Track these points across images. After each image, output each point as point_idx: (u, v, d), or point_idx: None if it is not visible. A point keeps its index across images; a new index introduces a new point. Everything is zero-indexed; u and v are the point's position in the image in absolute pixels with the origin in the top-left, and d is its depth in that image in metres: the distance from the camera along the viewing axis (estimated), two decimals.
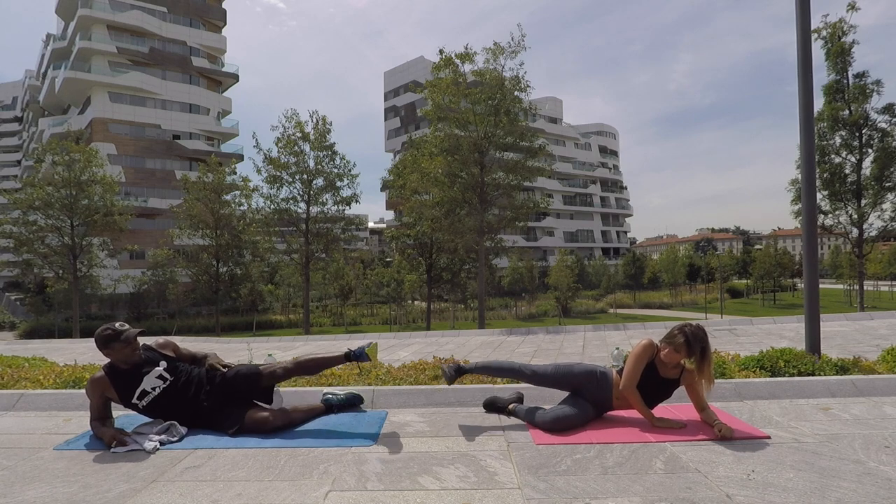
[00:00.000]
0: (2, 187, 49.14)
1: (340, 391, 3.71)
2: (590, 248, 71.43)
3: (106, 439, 2.93)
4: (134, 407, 3.15)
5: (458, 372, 3.37)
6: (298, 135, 24.48)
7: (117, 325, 3.18)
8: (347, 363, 3.28)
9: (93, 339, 3.17)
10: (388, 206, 57.14)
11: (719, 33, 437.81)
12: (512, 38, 18.52)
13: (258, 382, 3.22)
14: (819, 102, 23.40)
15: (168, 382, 3.17)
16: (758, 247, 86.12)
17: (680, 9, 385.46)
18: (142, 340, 3.31)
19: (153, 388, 3.13)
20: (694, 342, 2.95)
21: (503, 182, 19.94)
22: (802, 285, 5.18)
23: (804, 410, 3.42)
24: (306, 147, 24.69)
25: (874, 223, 23.66)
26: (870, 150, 22.82)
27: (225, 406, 3.19)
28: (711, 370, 3.04)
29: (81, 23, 43.26)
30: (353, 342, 11.13)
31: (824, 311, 7.34)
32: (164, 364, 3.21)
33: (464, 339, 10.54)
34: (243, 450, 2.86)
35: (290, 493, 2.30)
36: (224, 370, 3.28)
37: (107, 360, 3.22)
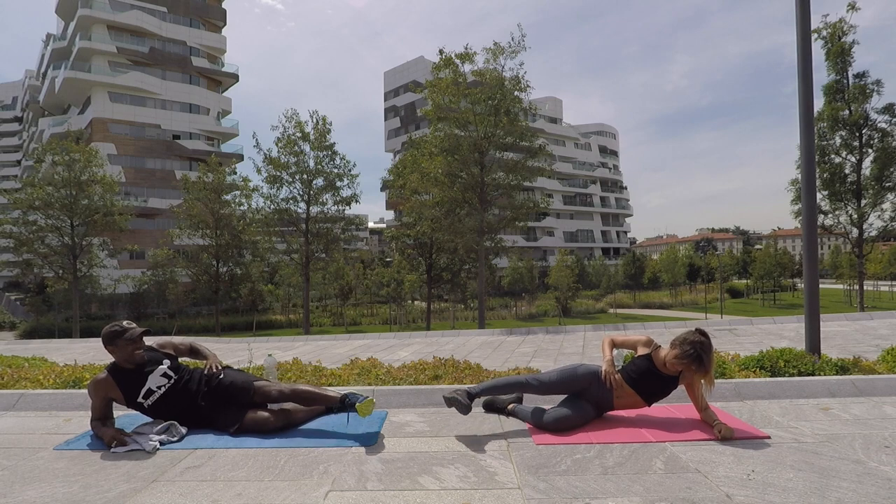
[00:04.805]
0: (2, 187, 49.14)
1: (340, 391, 3.71)
2: (590, 248, 71.42)
3: (106, 439, 2.93)
4: (139, 406, 3.15)
5: (470, 399, 3.20)
6: (298, 135, 24.50)
7: (124, 322, 3.19)
8: (340, 405, 3.20)
9: (93, 339, 3.19)
10: (388, 206, 57.14)
11: (715, 34, 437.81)
12: (512, 39, 18.53)
13: (249, 396, 3.19)
14: (819, 102, 23.44)
15: (173, 381, 3.18)
16: (758, 247, 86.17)
17: (676, 10, 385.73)
18: (146, 340, 3.31)
19: (159, 387, 3.13)
20: (707, 361, 2.96)
21: (503, 182, 19.93)
22: (802, 285, 5.18)
23: (804, 410, 3.42)
24: (306, 147, 24.71)
25: (874, 223, 23.70)
26: (870, 150, 22.83)
27: (223, 408, 3.19)
28: (713, 373, 3.06)
29: (81, 23, 43.26)
30: (352, 342, 11.13)
31: (824, 311, 7.34)
32: (167, 363, 3.22)
33: (464, 339, 10.53)
34: (243, 450, 2.86)
35: (290, 493, 2.30)
36: (221, 374, 3.27)
37: (110, 361, 3.23)
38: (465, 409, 3.12)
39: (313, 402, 3.22)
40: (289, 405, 3.37)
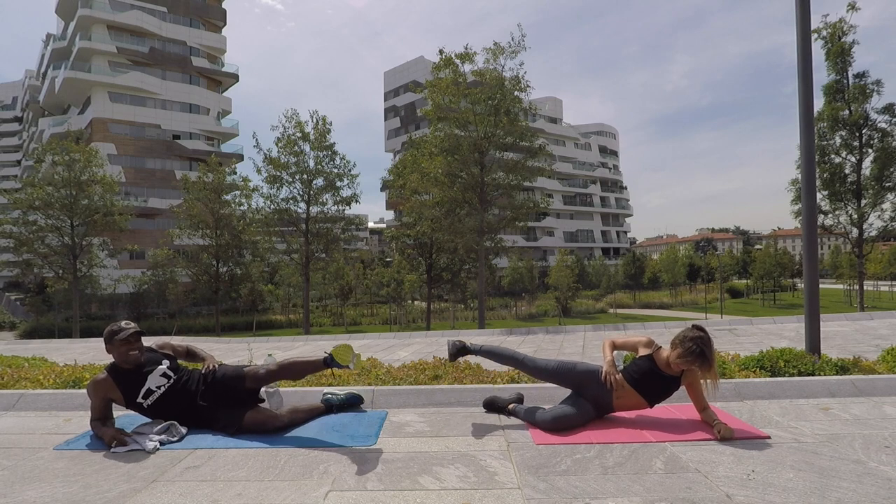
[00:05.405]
0: (2, 187, 49.13)
1: (340, 391, 3.72)
2: (590, 248, 71.41)
3: (106, 439, 2.93)
4: (138, 407, 3.15)
5: (461, 351, 3.41)
6: (298, 135, 24.50)
7: (122, 323, 3.20)
8: (328, 368, 3.26)
9: (93, 339, 3.21)
10: (388, 206, 57.14)
11: (715, 34, 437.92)
12: (512, 39, 18.54)
13: (242, 383, 3.21)
14: (819, 102, 23.44)
15: (172, 380, 3.18)
16: (758, 247, 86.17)
17: (676, 10, 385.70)
18: (145, 340, 3.32)
19: (158, 387, 3.14)
20: (710, 355, 2.96)
21: (503, 182, 19.94)
22: (802, 285, 5.18)
23: (804, 410, 3.42)
24: (306, 147, 24.72)
25: (874, 223, 23.70)
26: (870, 150, 22.83)
27: (222, 406, 3.20)
28: (716, 369, 3.06)
29: (81, 23, 43.26)
30: (352, 342, 11.13)
31: (824, 311, 7.33)
32: (166, 363, 3.23)
33: (464, 339, 10.52)
34: (243, 450, 2.86)
35: (290, 493, 2.30)
36: (214, 370, 3.29)
37: (109, 361, 3.23)
38: (451, 356, 3.45)
39: (300, 370, 3.28)
40: (288, 407, 3.39)
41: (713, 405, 3.24)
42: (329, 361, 3.11)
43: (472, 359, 5.80)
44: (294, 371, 3.27)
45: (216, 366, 3.33)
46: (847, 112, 22.54)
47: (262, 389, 3.43)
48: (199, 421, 3.20)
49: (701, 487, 2.26)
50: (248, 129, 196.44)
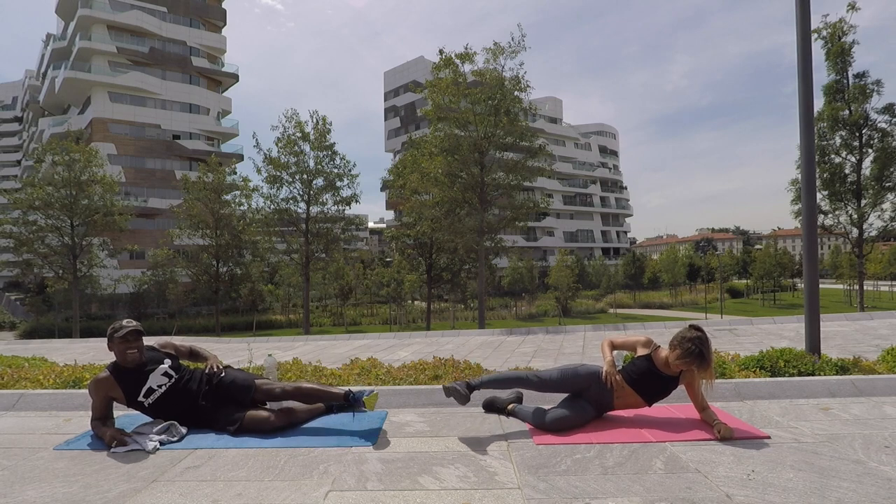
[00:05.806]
0: (2, 187, 49.13)
1: (340, 391, 3.71)
2: (590, 248, 71.41)
3: (106, 439, 2.93)
4: (139, 405, 3.16)
5: (470, 390, 3.20)
6: (298, 135, 24.51)
7: (124, 321, 3.22)
8: (345, 403, 3.25)
9: (93, 339, 3.22)
10: (388, 206, 57.15)
11: (715, 34, 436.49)
12: (512, 38, 18.53)
13: (249, 394, 3.21)
14: (819, 102, 23.45)
15: (173, 380, 3.19)
16: (758, 247, 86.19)
17: (676, 10, 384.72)
18: (146, 340, 3.32)
19: (159, 386, 3.14)
20: (708, 355, 2.97)
21: (503, 182, 19.94)
22: (802, 285, 5.18)
23: (804, 410, 3.42)
24: (306, 147, 24.73)
25: (874, 223, 23.72)
26: (870, 150, 22.84)
27: (224, 407, 3.20)
28: (713, 369, 3.06)
29: (81, 23, 43.26)
30: (352, 342, 11.13)
31: (824, 311, 7.33)
32: (168, 362, 3.23)
33: (464, 339, 10.53)
34: (243, 450, 2.86)
35: (290, 493, 2.30)
36: (222, 372, 3.28)
37: (110, 361, 3.24)
38: (462, 400, 3.12)
39: (317, 398, 3.25)
40: (289, 405, 3.38)
41: (713, 405, 3.24)
42: (350, 399, 3.13)
43: (472, 359, 5.79)
44: (311, 397, 3.25)
45: (220, 366, 3.33)
46: (847, 112, 22.55)
47: None
48: (200, 421, 3.20)
49: (701, 487, 2.26)
50: (248, 129, 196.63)
